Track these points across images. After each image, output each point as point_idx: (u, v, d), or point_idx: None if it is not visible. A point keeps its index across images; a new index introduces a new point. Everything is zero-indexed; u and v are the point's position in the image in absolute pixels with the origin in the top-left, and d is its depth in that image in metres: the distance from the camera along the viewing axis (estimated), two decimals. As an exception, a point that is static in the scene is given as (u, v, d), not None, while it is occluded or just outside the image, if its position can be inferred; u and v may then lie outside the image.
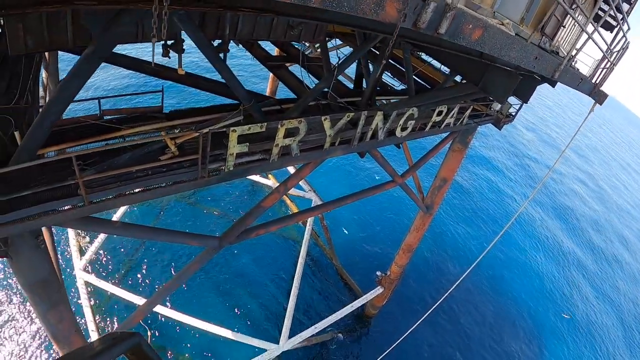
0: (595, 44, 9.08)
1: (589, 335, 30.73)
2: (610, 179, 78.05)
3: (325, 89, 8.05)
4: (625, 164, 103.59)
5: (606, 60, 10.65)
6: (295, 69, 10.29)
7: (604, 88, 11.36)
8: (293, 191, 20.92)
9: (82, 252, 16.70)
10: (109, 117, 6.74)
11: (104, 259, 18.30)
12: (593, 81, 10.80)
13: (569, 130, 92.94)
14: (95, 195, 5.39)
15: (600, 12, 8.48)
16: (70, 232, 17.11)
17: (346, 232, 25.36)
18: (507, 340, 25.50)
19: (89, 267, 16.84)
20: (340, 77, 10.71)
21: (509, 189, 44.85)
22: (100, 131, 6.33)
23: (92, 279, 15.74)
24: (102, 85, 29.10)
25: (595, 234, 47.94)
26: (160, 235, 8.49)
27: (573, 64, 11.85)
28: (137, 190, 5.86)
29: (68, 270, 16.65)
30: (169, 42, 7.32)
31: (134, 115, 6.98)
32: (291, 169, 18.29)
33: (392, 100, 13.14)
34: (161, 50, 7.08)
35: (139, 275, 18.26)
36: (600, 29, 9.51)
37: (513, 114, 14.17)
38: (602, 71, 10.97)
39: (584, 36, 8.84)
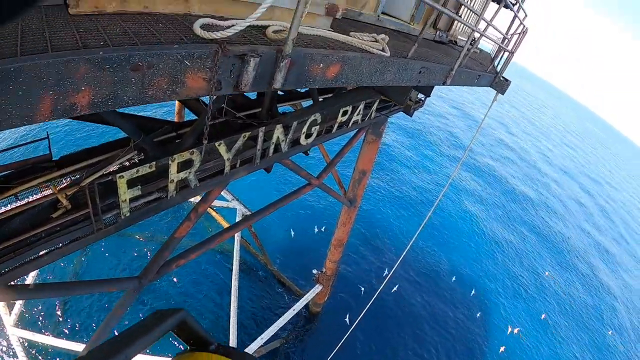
0: (490, 38, 9.20)
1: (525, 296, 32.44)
2: (535, 146, 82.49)
3: (222, 105, 7.75)
4: (545, 129, 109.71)
5: (503, 50, 10.83)
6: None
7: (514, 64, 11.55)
8: (216, 202, 20.50)
9: (10, 307, 15.84)
10: (-5, 175, 6.28)
11: (35, 308, 17.39)
12: (491, 71, 10.92)
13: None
14: (-15, 272, 5.01)
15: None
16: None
17: (277, 235, 25.26)
18: (447, 313, 26.34)
19: (20, 321, 16.01)
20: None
21: (435, 167, 46.21)
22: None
23: (26, 334, 14.98)
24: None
25: (523, 197, 50.75)
26: (77, 289, 8.05)
27: (475, 50, 12.09)
28: (32, 257, 5.50)
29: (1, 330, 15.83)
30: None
31: (24, 168, 6.54)
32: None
33: (300, 103, 13.06)
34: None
35: (75, 319, 17.45)
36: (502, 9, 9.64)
37: (422, 99, 14.24)
38: (501, 58, 11.17)
39: (485, 16, 8.80)
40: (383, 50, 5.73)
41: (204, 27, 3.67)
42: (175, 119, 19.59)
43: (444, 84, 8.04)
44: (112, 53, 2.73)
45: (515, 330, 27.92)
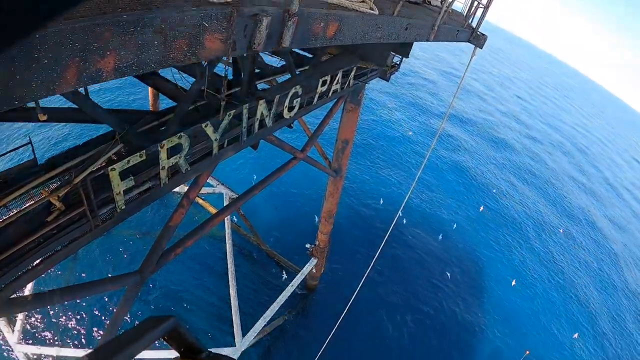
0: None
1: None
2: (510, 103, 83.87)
3: (202, 88, 7.62)
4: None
5: (477, 5, 10.83)
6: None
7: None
8: (202, 190, 20.28)
9: (12, 324, 15.55)
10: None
11: (37, 322, 17.14)
12: (468, 27, 10.93)
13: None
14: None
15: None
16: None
17: (266, 215, 25.22)
18: (446, 266, 26.72)
19: (24, 337, 15.77)
20: (219, 68, 10.32)
21: (420, 126, 46.47)
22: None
23: (32, 349, 14.81)
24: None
25: (501, 153, 51.48)
26: (78, 292, 7.95)
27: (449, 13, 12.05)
28: (32, 266, 5.40)
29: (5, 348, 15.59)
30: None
31: (9, 178, 6.38)
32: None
33: (277, 78, 12.94)
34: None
35: (78, 325, 17.27)
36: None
37: (398, 62, 14.11)
38: (475, 14, 11.17)
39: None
40: (371, 9, 5.80)
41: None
42: (151, 110, 19.29)
43: (427, 40, 8.13)
44: (136, 16, 2.71)
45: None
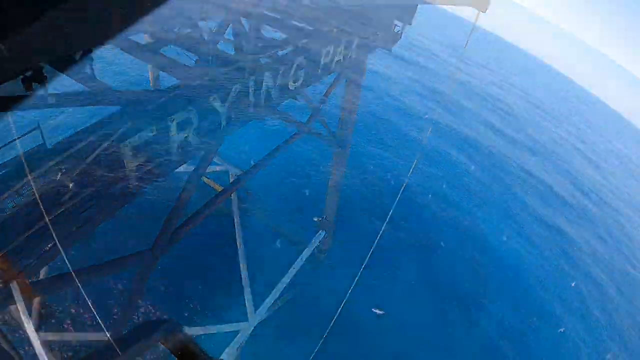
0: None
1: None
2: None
3: (206, 64, 7.62)
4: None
5: None
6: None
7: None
8: (208, 168, 20.22)
9: (27, 311, 15.55)
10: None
11: (52, 307, 17.13)
12: None
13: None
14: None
15: None
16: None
17: (273, 190, 25.15)
18: (452, 240, 26.76)
19: (41, 324, 15.80)
20: (221, 45, 10.32)
21: (419, 104, 46.10)
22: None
23: (50, 336, 14.90)
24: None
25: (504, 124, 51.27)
26: (94, 273, 8.02)
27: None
28: (48, 248, 5.43)
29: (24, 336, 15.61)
30: (28, 74, 6.70)
31: (20, 163, 6.39)
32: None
33: (279, 52, 12.91)
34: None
35: (92, 310, 17.25)
36: None
37: (400, 32, 13.96)
38: None
39: None
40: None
41: None
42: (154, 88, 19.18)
43: (432, 3, 8.09)
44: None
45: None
